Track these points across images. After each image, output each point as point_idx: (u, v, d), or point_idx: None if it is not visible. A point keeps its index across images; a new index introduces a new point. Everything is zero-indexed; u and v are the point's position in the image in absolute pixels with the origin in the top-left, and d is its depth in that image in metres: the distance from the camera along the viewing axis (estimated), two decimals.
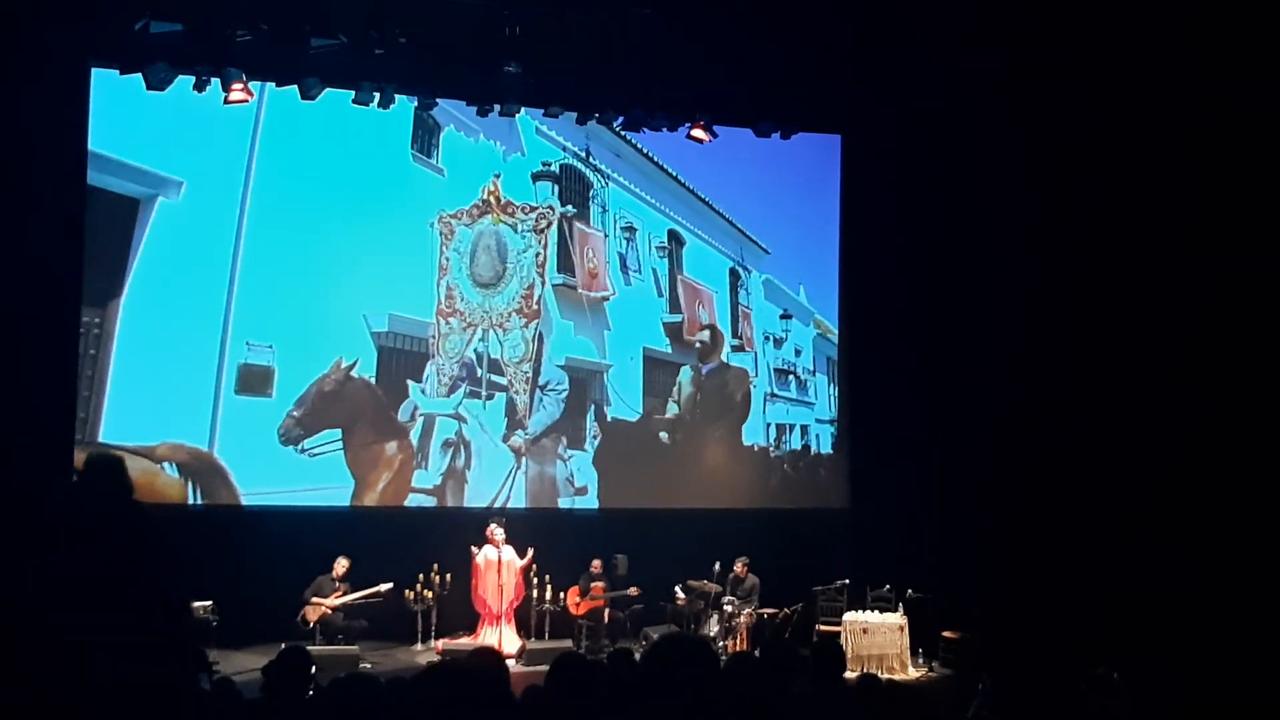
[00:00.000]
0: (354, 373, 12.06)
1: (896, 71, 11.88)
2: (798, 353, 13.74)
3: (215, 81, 10.65)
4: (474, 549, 11.49)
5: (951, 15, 11.00)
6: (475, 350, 12.60)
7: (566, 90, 11.73)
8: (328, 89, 10.94)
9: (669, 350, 13.33)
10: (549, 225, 12.93)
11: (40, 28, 10.22)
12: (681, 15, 11.14)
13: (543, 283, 12.85)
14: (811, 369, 13.75)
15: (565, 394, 12.90)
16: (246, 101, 10.93)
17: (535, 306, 12.83)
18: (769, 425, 13.55)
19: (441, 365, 12.46)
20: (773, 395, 13.60)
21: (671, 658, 3.73)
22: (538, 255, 12.89)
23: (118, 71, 10.60)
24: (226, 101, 10.82)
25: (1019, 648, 9.82)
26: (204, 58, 10.51)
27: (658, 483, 13.17)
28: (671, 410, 13.35)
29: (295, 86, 10.83)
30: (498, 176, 12.81)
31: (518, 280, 12.82)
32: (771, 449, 13.52)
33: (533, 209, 12.92)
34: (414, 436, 12.27)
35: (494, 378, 12.66)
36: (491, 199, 12.77)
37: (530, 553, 11.60)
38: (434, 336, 12.42)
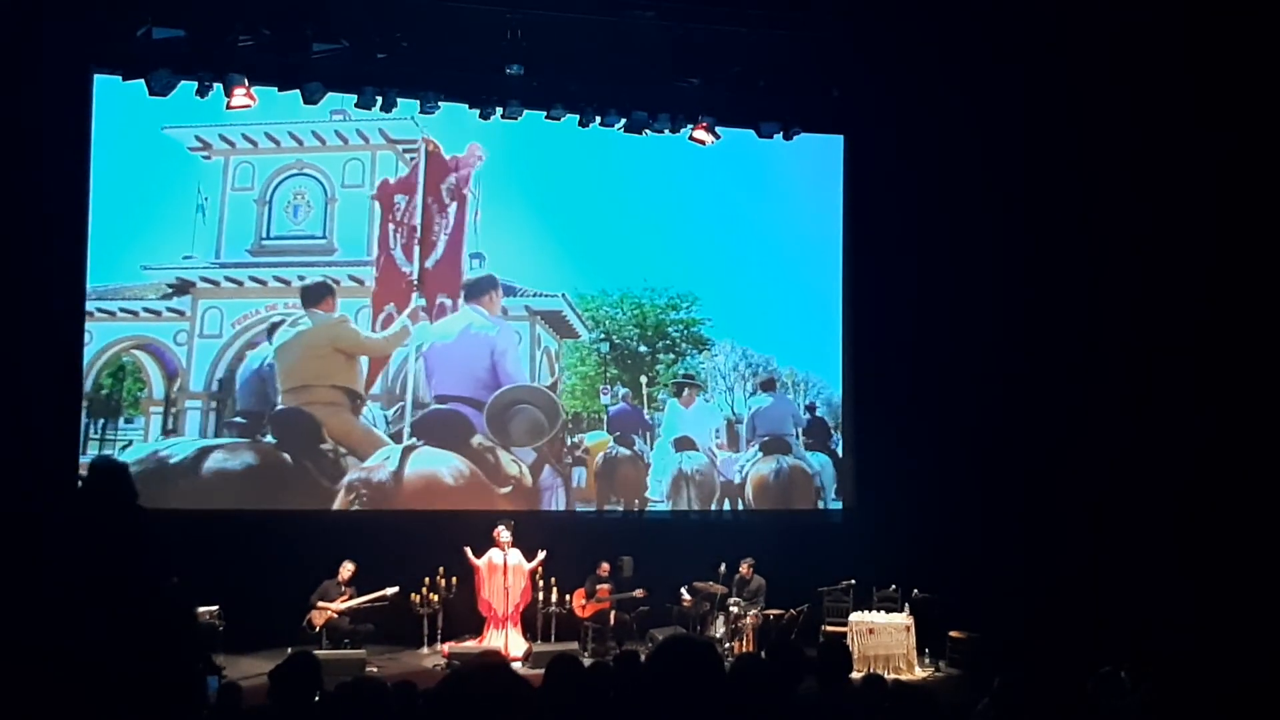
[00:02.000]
0: None
1: (898, 72, 11.85)
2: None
3: (218, 86, 10.69)
4: (468, 550, 11.39)
5: (952, 15, 10.99)
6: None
7: (569, 92, 11.73)
8: (330, 93, 10.95)
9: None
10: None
11: (43, 35, 10.23)
12: (683, 17, 11.14)
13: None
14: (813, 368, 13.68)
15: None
16: (249, 106, 10.94)
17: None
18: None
19: None
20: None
21: (677, 659, 3.71)
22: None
23: (120, 78, 10.62)
24: (229, 107, 10.85)
25: (1026, 647, 9.79)
26: (206, 63, 10.54)
27: None
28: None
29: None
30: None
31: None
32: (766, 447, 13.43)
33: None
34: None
35: None
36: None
37: (541, 554, 11.57)
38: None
